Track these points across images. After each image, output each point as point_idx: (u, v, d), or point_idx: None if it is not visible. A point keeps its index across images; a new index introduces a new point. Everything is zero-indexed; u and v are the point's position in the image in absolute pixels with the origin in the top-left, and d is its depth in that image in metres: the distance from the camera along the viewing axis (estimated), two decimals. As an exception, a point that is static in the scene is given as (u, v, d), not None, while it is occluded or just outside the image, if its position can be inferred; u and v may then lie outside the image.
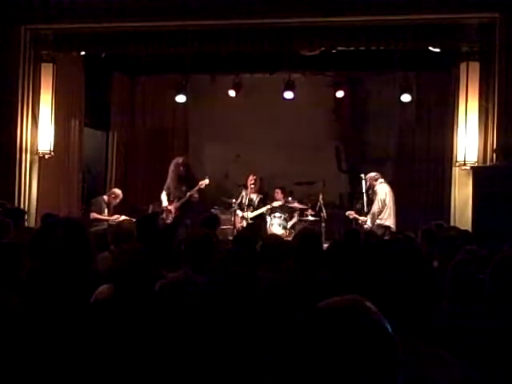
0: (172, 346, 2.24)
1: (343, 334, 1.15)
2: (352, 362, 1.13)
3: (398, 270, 1.83)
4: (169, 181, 8.72)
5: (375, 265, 1.88)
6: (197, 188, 8.62)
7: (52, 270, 1.97)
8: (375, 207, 8.39)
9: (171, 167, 8.73)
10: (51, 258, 1.99)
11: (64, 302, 1.93)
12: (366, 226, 8.30)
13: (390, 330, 1.19)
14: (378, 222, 8.26)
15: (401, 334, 1.75)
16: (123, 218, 7.77)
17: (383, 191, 8.42)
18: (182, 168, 8.62)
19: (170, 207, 8.59)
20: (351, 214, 8.81)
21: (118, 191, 9.14)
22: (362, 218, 8.57)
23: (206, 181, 8.75)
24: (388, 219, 8.33)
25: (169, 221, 8.35)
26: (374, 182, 8.52)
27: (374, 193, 8.49)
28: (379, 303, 1.83)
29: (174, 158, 8.99)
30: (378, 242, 5.00)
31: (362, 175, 8.82)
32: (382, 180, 8.59)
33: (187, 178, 8.65)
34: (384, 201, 8.34)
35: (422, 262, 1.89)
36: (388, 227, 8.05)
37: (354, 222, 8.80)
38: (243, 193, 9.27)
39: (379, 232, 7.29)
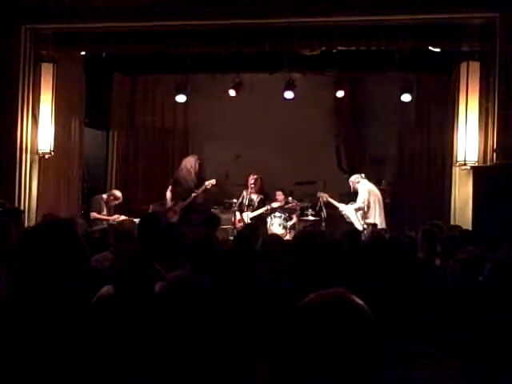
0: (172, 345, 2.23)
1: (330, 327, 1.14)
2: (339, 355, 1.12)
3: (395, 270, 1.83)
4: (180, 177, 8.62)
5: (374, 265, 1.87)
6: (203, 188, 8.57)
7: (40, 271, 1.96)
8: (356, 205, 8.55)
9: (187, 164, 8.63)
10: (39, 259, 1.98)
11: (56, 302, 1.92)
12: (343, 213, 8.53)
13: (376, 321, 1.18)
14: (367, 220, 8.42)
15: (398, 336, 1.75)
16: (123, 217, 7.77)
17: (365, 189, 8.58)
18: (199, 166, 8.60)
19: (175, 207, 8.51)
20: (323, 195, 8.82)
21: (118, 194, 9.10)
22: (336, 204, 8.63)
23: (213, 181, 8.72)
24: (374, 217, 8.47)
25: (173, 220, 8.28)
26: (356, 185, 8.73)
27: (357, 193, 8.67)
28: (378, 303, 1.83)
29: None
30: (377, 243, 5.00)
31: (363, 175, 8.87)
32: (365, 180, 8.77)
33: (199, 178, 8.62)
34: (368, 200, 8.49)
35: (418, 264, 1.89)
36: (375, 225, 8.19)
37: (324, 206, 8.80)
38: (244, 193, 9.25)
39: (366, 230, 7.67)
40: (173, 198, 8.58)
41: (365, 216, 8.45)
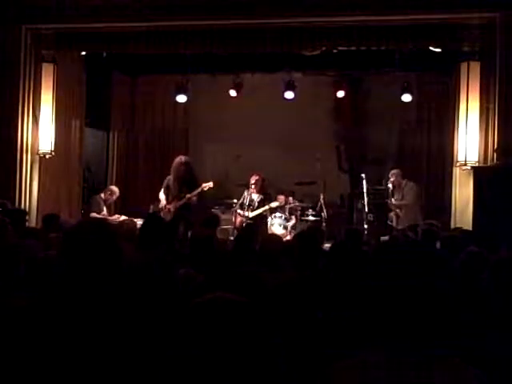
0: (173, 346, 2.23)
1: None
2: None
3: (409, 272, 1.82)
4: (169, 179, 8.60)
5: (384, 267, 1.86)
6: (199, 190, 8.46)
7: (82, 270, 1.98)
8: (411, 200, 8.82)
9: (173, 165, 8.59)
10: (81, 258, 2.00)
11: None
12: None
13: (253, 320, 1.24)
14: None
15: (408, 339, 1.74)
16: (123, 217, 7.77)
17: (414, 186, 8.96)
18: (182, 167, 8.46)
19: (168, 206, 8.47)
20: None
21: (114, 188, 9.16)
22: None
23: (210, 184, 8.57)
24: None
25: (167, 219, 8.23)
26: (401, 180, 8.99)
27: (407, 187, 8.93)
28: (386, 304, 1.82)
29: (175, 157, 8.88)
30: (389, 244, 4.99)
31: (363, 175, 8.87)
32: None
33: (188, 178, 8.50)
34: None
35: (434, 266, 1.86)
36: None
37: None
38: (245, 193, 9.22)
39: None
40: (167, 199, 8.52)
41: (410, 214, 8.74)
